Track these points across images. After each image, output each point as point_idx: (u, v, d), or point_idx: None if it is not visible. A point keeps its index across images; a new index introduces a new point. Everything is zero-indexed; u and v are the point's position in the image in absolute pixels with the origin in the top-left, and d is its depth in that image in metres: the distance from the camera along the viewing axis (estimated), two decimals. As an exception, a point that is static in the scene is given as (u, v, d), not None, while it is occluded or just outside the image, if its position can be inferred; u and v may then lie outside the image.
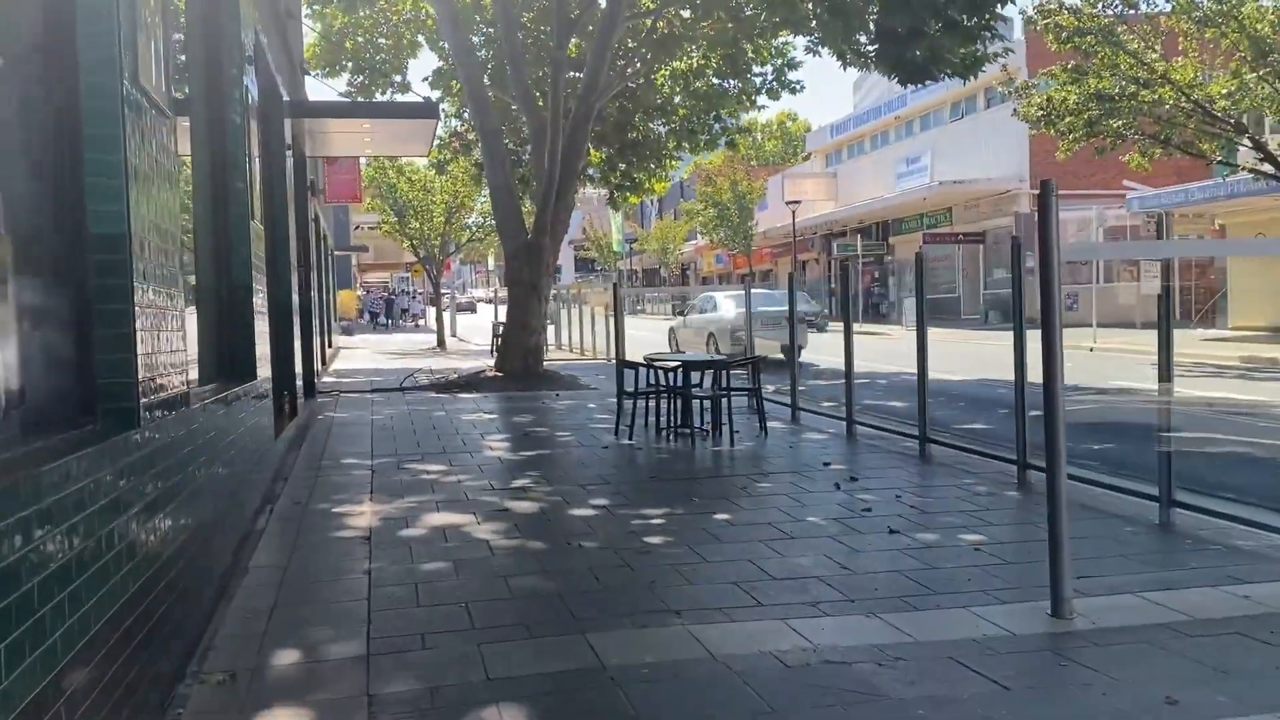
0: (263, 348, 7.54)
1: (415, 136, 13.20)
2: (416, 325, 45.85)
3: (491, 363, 22.06)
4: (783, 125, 78.49)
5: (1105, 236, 33.86)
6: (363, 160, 27.70)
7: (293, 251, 11.01)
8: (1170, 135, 20.06)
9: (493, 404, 13.54)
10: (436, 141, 20.06)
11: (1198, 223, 25.33)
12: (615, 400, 13.74)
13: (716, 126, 21.16)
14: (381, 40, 20.38)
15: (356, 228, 47.89)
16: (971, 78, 15.67)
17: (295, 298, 11.19)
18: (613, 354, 21.74)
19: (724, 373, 10.34)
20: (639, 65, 16.84)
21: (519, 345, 16.07)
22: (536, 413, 12.42)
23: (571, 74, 17.22)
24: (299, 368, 11.20)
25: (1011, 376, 7.37)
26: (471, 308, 66.20)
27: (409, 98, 20.07)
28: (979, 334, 30.10)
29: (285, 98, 10.97)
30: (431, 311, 60.98)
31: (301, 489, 7.68)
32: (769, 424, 10.44)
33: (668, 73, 19.39)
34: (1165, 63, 18.79)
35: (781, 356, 20.91)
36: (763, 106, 20.99)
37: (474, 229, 29.19)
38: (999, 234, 35.65)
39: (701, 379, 10.82)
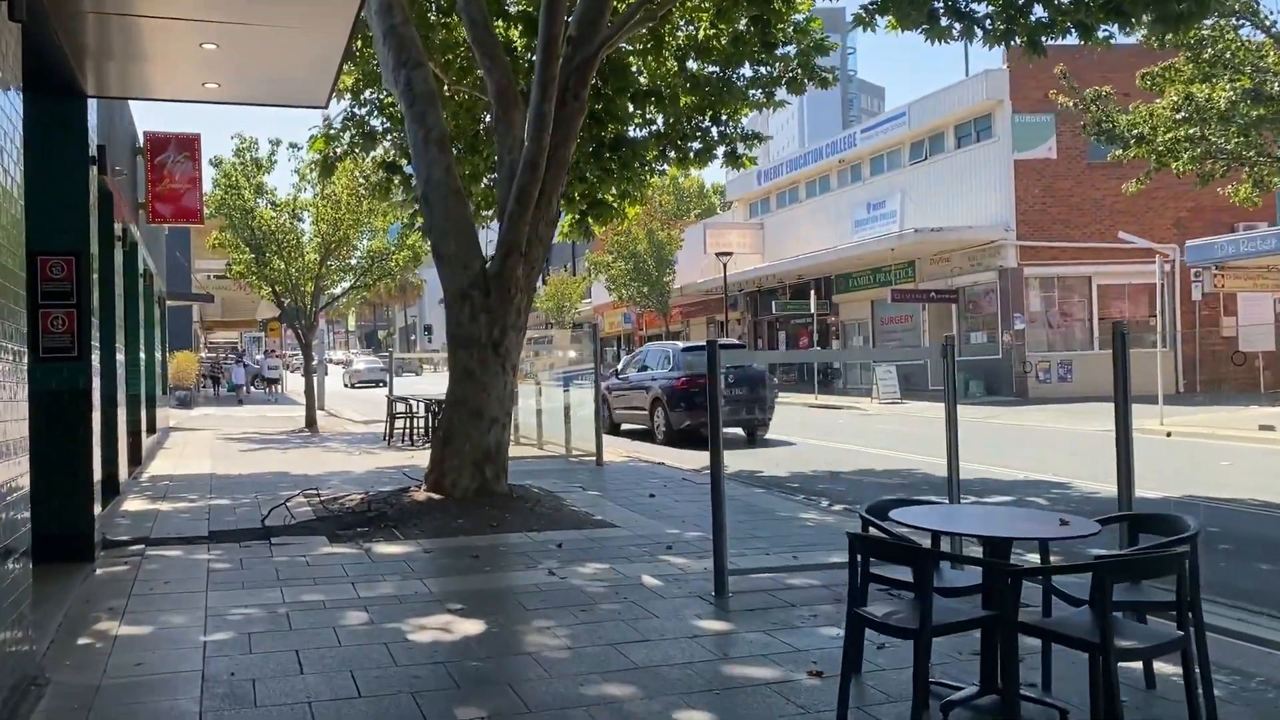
0: None
1: (308, 59, 6.76)
2: (256, 390, 37.73)
3: (389, 440, 15.38)
4: (674, 180, 73.75)
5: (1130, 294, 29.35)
6: (208, 177, 20.71)
7: (12, 271, 4.39)
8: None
9: (450, 578, 6.98)
10: (324, 129, 13.52)
11: (1270, 277, 20.62)
12: (667, 549, 7.46)
13: (714, 131, 15.19)
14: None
15: (207, 275, 39.86)
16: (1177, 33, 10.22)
17: (21, 374, 4.55)
18: (577, 446, 14.95)
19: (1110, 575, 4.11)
20: (655, 3, 10.68)
21: (469, 446, 9.56)
22: (558, 615, 5.92)
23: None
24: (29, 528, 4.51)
25: None
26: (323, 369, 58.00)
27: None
28: (973, 409, 24.80)
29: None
30: (289, 375, 52.93)
31: None
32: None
33: (675, 38, 13.38)
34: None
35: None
36: (782, 102, 15.10)
37: (359, 270, 22.15)
38: (975, 291, 30.82)
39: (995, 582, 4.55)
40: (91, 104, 7.33)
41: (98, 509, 7.51)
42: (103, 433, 10.30)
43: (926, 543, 4.39)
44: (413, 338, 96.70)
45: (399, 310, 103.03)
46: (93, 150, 7.35)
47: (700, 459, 14.51)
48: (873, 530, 4.58)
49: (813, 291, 32.64)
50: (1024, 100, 29.48)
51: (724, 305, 39.13)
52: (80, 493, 7.01)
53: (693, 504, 10.00)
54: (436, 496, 9.41)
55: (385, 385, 55.51)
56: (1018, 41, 11.40)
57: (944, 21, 11.60)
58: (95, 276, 7.57)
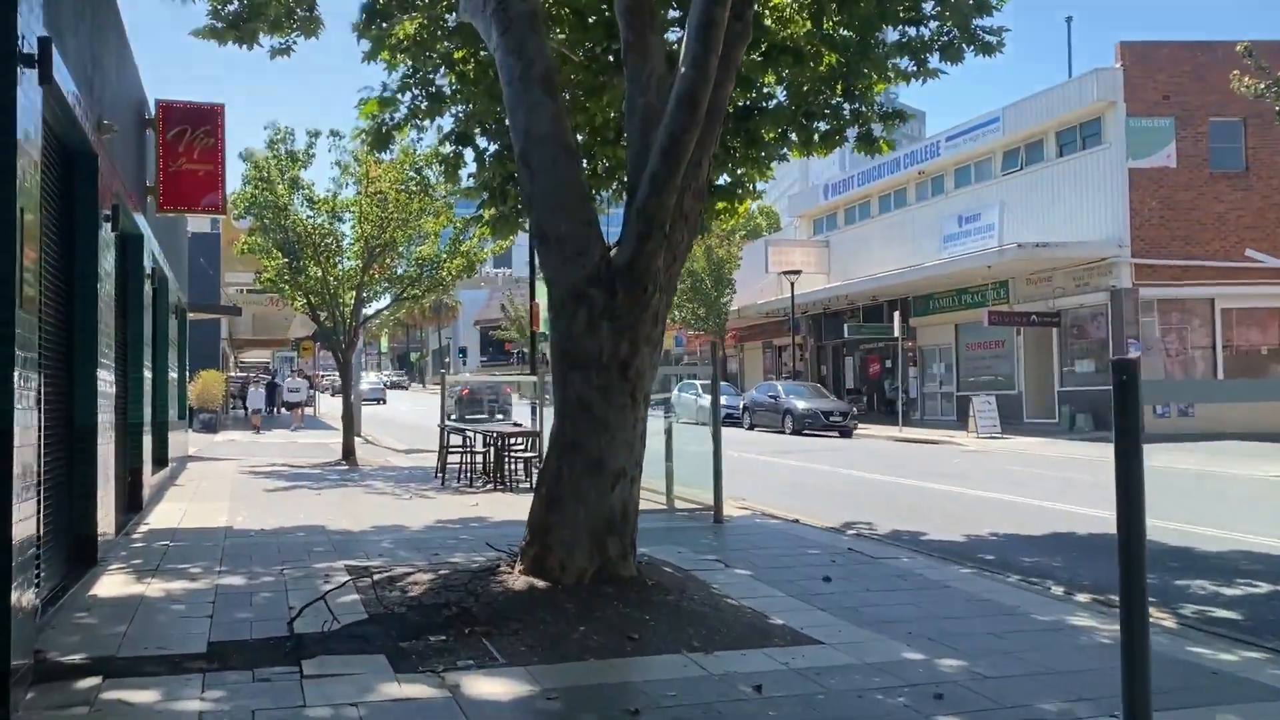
0: None
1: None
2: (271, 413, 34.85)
3: (441, 477, 12.27)
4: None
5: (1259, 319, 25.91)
6: (238, 173, 18.06)
7: None
8: None
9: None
10: (380, 91, 10.76)
11: None
12: (936, 699, 4.67)
13: (846, 108, 12.32)
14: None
15: (239, 289, 37.33)
16: None
17: None
18: (681, 494, 11.35)
19: None
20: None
21: (584, 510, 6.68)
22: None
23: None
24: None
25: None
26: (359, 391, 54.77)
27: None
28: (1088, 447, 21.66)
29: None
30: (322, 398, 50.34)
31: None
32: None
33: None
34: None
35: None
36: (936, 72, 12.21)
37: (405, 280, 19.31)
38: (1080, 314, 27.71)
39: None
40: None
41: (28, 599, 4.71)
42: (77, 479, 7.55)
43: None
44: (447, 359, 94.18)
45: (432, 332, 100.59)
46: (27, 45, 4.57)
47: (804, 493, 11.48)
48: None
49: (896, 313, 29.54)
50: (1139, 103, 26.46)
51: (789, 328, 36.16)
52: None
53: (893, 594, 7.06)
54: (540, 584, 6.51)
55: (384, 402, 52.45)
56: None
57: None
58: (39, 255, 4.80)
